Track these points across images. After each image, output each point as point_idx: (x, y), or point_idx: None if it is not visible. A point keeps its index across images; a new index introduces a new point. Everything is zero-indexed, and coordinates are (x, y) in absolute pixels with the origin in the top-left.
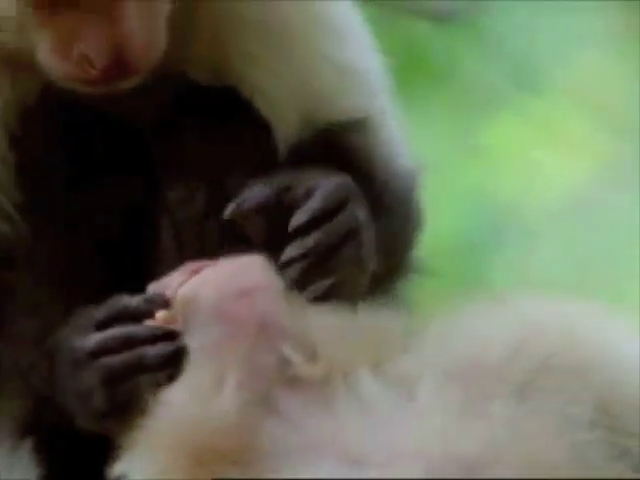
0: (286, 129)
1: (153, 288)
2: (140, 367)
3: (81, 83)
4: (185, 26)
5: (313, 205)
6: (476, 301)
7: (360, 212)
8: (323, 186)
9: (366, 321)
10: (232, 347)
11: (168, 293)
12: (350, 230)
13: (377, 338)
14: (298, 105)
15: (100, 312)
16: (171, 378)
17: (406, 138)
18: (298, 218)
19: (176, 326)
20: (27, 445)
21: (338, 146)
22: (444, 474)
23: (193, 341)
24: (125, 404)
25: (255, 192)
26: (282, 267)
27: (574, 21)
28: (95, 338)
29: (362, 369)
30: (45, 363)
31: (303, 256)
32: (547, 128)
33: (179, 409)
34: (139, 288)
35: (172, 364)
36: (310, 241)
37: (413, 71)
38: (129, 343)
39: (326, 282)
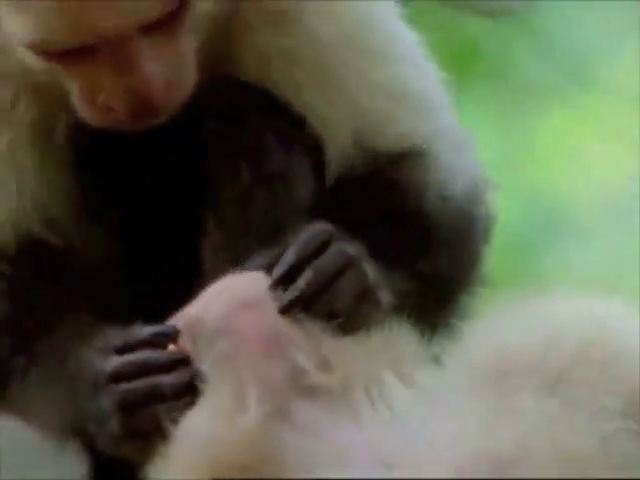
0: (337, 149)
1: (172, 321)
2: (156, 396)
3: (112, 125)
4: (227, 57)
5: (286, 259)
6: (512, 300)
7: (349, 247)
8: (298, 238)
9: (378, 333)
10: (246, 361)
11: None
12: (344, 263)
13: (391, 347)
14: (350, 128)
15: (119, 337)
16: (188, 405)
17: (473, 150)
18: (274, 274)
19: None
20: (74, 441)
21: (388, 176)
22: (478, 472)
23: (206, 361)
24: (142, 430)
25: (252, 262)
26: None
27: (625, 16)
28: (114, 362)
29: (386, 376)
30: (66, 383)
31: (296, 300)
32: (599, 123)
33: (203, 432)
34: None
35: (188, 392)
36: (301, 282)
37: (466, 67)
38: (147, 369)
39: (334, 322)
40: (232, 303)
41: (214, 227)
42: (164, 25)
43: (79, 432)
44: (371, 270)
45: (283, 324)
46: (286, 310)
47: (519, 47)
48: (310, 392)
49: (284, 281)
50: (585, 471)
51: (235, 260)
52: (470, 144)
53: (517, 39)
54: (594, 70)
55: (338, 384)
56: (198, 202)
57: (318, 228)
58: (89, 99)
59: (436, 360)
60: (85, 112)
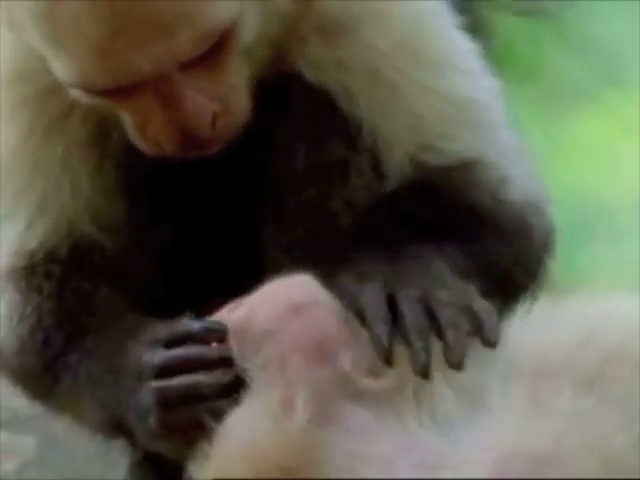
0: (393, 162)
1: (215, 318)
2: (196, 396)
3: (164, 155)
4: (282, 71)
5: (377, 339)
6: (547, 299)
7: (409, 289)
8: (367, 310)
9: None
10: (294, 364)
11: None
12: (423, 306)
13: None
14: (406, 139)
15: (166, 330)
16: (228, 406)
17: (531, 163)
18: (380, 353)
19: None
20: (120, 437)
21: (441, 185)
22: (517, 472)
23: (254, 363)
24: (179, 428)
25: None
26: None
27: None
28: (161, 355)
29: (435, 378)
30: (112, 377)
31: (428, 358)
32: (633, 123)
33: (247, 433)
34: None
35: (229, 392)
36: (418, 345)
37: (499, 67)
38: (194, 365)
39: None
40: (282, 306)
41: (270, 217)
42: (206, 59)
43: (121, 428)
44: (444, 293)
45: (333, 328)
46: (426, 372)
47: (552, 47)
48: (357, 396)
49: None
50: (621, 470)
51: (289, 250)
52: (528, 157)
53: (550, 39)
54: (628, 69)
55: (389, 388)
56: (255, 197)
57: (373, 290)
58: (139, 131)
59: (474, 359)
60: (137, 143)
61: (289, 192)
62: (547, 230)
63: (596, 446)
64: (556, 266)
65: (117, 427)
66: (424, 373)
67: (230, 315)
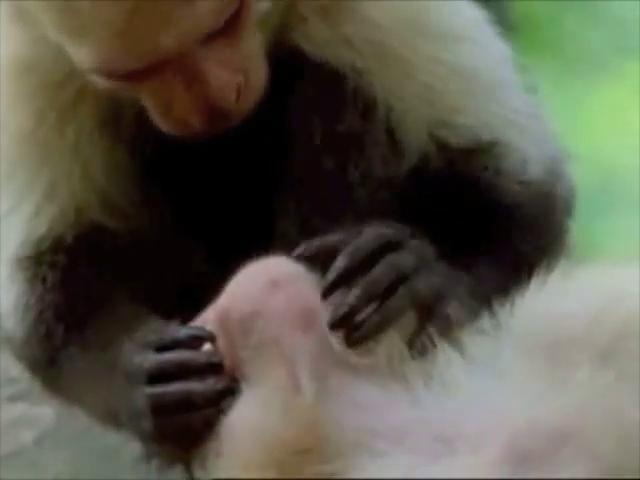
0: (411, 136)
1: (204, 316)
2: (189, 405)
3: (189, 134)
4: (286, 50)
5: (338, 264)
6: (564, 269)
7: (403, 259)
8: (352, 243)
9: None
10: (288, 340)
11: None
12: (394, 279)
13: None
14: (422, 113)
15: (157, 334)
16: (222, 411)
17: (548, 125)
18: (326, 280)
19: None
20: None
21: (461, 169)
22: (534, 444)
23: (247, 348)
24: (175, 435)
25: (305, 247)
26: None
27: None
28: (151, 359)
29: (439, 347)
30: (107, 372)
31: (346, 316)
32: None
33: (258, 420)
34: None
35: (222, 398)
36: (350, 299)
37: (517, 38)
38: (183, 371)
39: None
40: (259, 285)
41: (284, 188)
42: (225, 31)
43: (118, 422)
44: (426, 283)
45: (313, 298)
46: (336, 327)
47: (569, 17)
48: (362, 369)
49: (335, 288)
50: (636, 447)
51: (303, 223)
52: (544, 119)
53: (567, 9)
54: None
55: (383, 361)
56: (268, 172)
57: (374, 234)
58: (163, 113)
59: (488, 330)
60: (162, 125)
61: (305, 163)
62: (567, 192)
63: (613, 422)
64: (573, 234)
65: (119, 421)
66: (331, 323)
67: (212, 310)
